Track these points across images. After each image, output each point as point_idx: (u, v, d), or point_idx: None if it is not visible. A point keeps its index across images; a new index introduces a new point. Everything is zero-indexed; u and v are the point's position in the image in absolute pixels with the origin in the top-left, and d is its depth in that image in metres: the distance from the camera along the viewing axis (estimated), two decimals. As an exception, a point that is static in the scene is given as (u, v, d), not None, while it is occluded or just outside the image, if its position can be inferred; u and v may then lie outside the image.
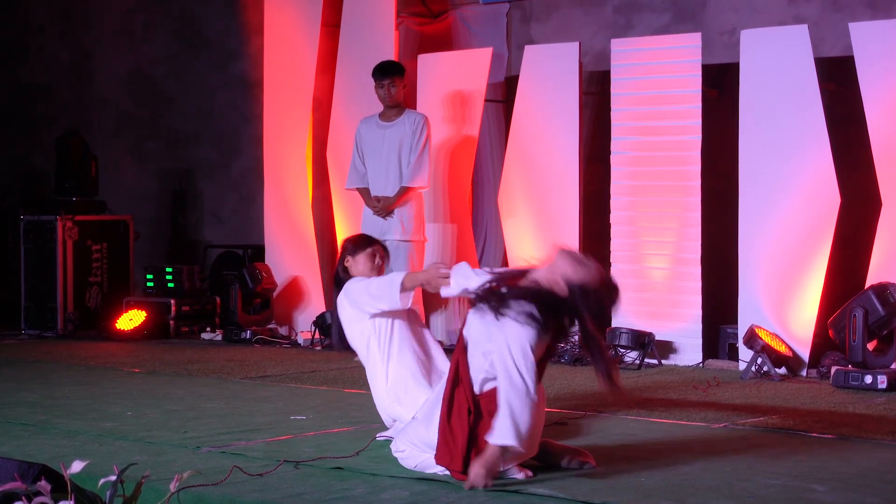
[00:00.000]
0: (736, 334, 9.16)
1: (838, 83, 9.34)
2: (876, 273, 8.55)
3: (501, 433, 4.90)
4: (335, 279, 6.26)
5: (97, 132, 13.78)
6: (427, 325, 10.09)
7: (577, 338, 9.61)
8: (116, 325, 11.29)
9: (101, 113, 14.09)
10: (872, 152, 8.66)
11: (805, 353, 8.86)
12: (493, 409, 4.96)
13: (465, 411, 5.09)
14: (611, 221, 9.80)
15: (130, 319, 11.30)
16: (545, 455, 5.30)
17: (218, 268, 12.50)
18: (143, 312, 11.36)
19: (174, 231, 13.49)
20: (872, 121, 8.65)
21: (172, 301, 11.50)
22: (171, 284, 11.77)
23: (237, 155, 12.97)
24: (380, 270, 6.20)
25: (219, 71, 13.13)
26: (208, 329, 11.52)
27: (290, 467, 5.37)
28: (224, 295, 11.56)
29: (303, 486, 5.05)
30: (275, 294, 11.34)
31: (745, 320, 9.04)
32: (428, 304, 10.12)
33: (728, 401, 7.58)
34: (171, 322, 11.46)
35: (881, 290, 8.24)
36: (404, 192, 9.55)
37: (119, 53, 13.96)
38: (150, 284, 11.87)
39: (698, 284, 9.40)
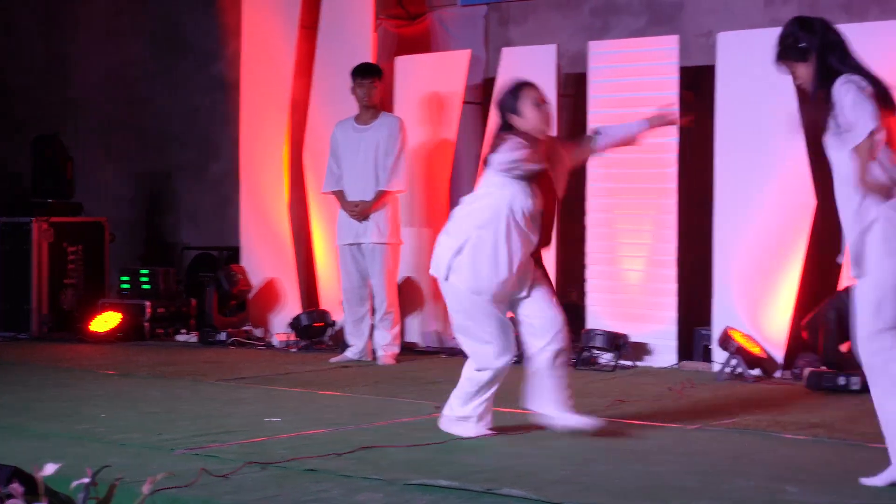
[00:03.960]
0: (710, 336, 9.18)
1: (814, 86, 9.35)
2: (850, 275, 8.56)
3: None
4: None
5: (74, 134, 13.72)
6: (403, 326, 10.11)
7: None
8: (91, 326, 11.24)
9: (78, 115, 14.04)
10: (847, 155, 8.68)
11: (779, 355, 8.89)
12: None
13: None
14: (587, 223, 9.81)
15: (105, 321, 11.26)
16: None
17: (194, 270, 12.47)
18: (119, 314, 11.31)
19: (150, 233, 13.45)
20: (847, 124, 8.67)
21: (148, 303, 11.46)
22: (146, 286, 11.72)
23: (214, 157, 12.94)
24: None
25: (196, 73, 13.10)
26: (184, 331, 11.49)
27: (265, 469, 5.36)
28: (199, 297, 11.54)
29: (277, 487, 5.04)
30: (250, 296, 11.31)
31: (719, 322, 9.07)
32: (404, 304, 10.11)
33: (702, 402, 7.60)
34: (147, 324, 11.42)
35: (855, 292, 8.27)
36: (381, 195, 9.55)
37: (96, 55, 13.92)
38: (125, 286, 11.82)
39: (674, 286, 9.42)
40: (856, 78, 5.12)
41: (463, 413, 6.29)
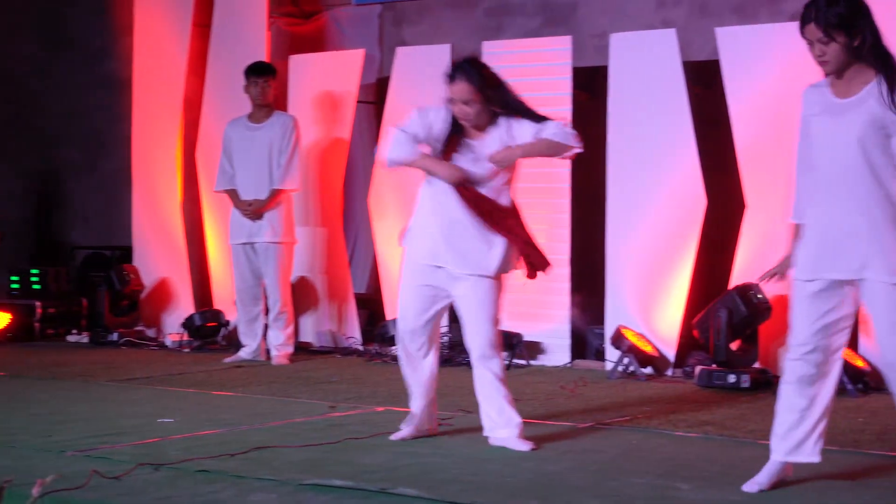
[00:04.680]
0: (603, 335, 9.27)
1: (705, 86, 9.49)
2: (740, 274, 8.70)
3: None
4: None
5: (-40, 131, 13.50)
6: (297, 325, 10.07)
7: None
8: (-21, 327, 11.08)
9: (-36, 112, 13.81)
10: (737, 155, 8.82)
11: (671, 353, 9.00)
12: None
13: None
14: (481, 223, 9.82)
15: (-6, 322, 11.11)
16: None
17: (85, 269, 12.32)
18: (8, 315, 11.15)
19: (40, 232, 13.27)
20: (737, 124, 8.81)
21: (38, 303, 11.31)
22: (36, 286, 11.57)
23: (105, 155, 12.79)
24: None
25: (87, 70, 12.94)
26: (75, 331, 11.34)
27: (158, 470, 5.31)
28: (91, 297, 11.40)
29: (170, 489, 5.00)
30: (142, 296, 11.21)
31: (612, 321, 9.15)
32: (298, 304, 10.07)
33: (595, 400, 7.67)
34: (37, 324, 11.26)
35: (744, 290, 8.40)
36: (275, 194, 9.51)
37: (-17, 51, 13.69)
38: (14, 286, 11.65)
39: (567, 286, 9.48)
40: None
41: None
